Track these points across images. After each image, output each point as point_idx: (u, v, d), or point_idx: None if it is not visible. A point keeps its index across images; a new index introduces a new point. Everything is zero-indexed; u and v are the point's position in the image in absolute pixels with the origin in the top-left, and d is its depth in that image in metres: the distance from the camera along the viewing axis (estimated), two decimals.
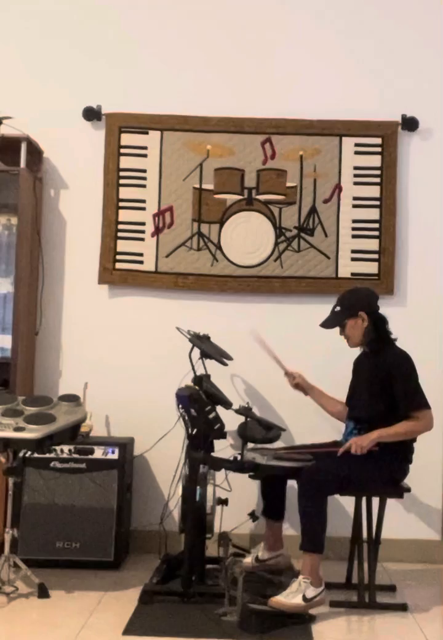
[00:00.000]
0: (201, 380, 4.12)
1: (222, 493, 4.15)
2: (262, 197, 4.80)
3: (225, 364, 4.26)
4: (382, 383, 3.93)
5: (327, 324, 4.08)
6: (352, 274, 4.76)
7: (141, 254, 4.80)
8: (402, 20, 4.86)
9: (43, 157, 4.82)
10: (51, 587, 3.91)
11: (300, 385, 4.29)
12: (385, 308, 4.14)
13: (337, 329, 4.08)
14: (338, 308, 4.06)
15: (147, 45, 4.87)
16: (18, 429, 3.74)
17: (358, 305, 4.02)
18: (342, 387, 4.23)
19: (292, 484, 3.95)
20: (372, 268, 4.76)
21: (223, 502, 4.11)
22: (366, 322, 4.00)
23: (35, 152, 4.72)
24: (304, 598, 3.68)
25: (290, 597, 3.68)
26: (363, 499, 4.00)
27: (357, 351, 4.17)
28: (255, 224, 4.79)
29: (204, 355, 4.26)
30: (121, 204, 4.80)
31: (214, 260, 4.78)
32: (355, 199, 4.79)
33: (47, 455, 4.18)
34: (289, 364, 4.31)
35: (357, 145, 4.79)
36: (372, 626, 3.78)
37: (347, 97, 4.81)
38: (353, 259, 4.77)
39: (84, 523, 4.33)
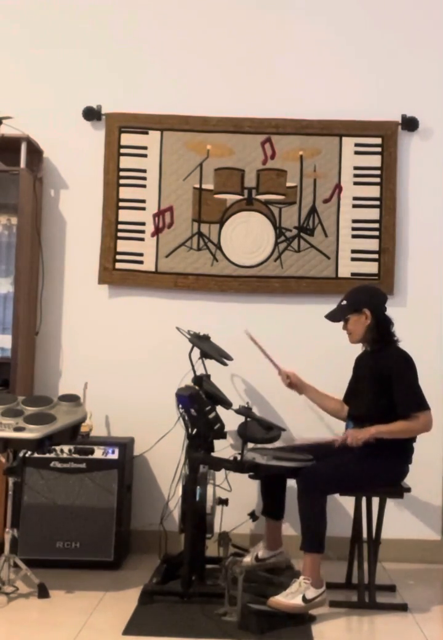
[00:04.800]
0: (201, 380, 4.12)
1: (222, 493, 4.15)
2: (262, 197, 4.79)
3: (225, 364, 4.26)
4: (382, 382, 3.93)
5: (331, 316, 4.09)
6: (352, 274, 4.76)
7: (141, 254, 4.80)
8: (402, 20, 4.86)
9: (43, 157, 4.82)
10: (51, 587, 3.90)
11: (295, 384, 4.27)
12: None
13: (340, 329, 4.08)
14: (344, 302, 4.07)
15: (147, 45, 4.87)
16: (18, 429, 3.74)
17: (363, 302, 4.03)
18: (342, 386, 4.23)
19: (292, 483, 3.95)
20: (372, 268, 4.76)
21: (224, 502, 4.11)
22: (369, 319, 4.00)
23: (35, 152, 4.72)
24: (304, 599, 3.68)
25: (290, 598, 3.68)
26: (363, 499, 4.00)
27: (357, 350, 4.17)
28: (255, 224, 4.79)
29: (204, 355, 4.26)
30: (121, 204, 4.80)
31: (214, 260, 4.78)
32: (355, 199, 4.79)
33: (47, 455, 4.18)
34: (289, 364, 4.31)
35: (357, 145, 4.79)
36: (372, 626, 3.77)
37: (347, 97, 4.81)
38: (353, 259, 4.77)
39: (84, 523, 4.32)
